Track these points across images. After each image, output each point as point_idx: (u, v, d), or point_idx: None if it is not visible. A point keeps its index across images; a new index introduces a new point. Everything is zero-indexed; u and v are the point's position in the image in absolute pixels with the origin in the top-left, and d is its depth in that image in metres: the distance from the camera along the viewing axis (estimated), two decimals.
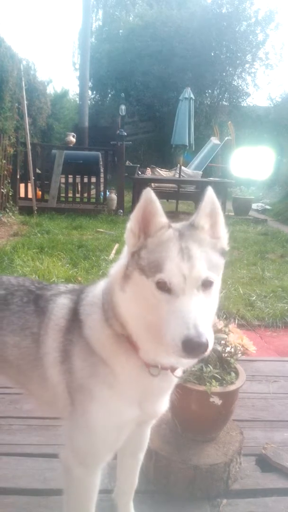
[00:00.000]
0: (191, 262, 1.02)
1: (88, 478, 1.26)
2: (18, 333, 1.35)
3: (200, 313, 0.98)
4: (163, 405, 1.29)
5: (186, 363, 1.19)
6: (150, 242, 1.08)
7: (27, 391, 1.46)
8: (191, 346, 0.93)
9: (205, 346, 0.94)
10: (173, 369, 1.18)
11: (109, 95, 19.99)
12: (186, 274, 1.00)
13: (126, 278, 1.09)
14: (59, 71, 48.94)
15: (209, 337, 0.96)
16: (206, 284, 1.03)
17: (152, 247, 1.07)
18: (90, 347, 1.20)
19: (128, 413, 1.20)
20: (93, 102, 19.49)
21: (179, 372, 1.22)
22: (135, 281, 1.07)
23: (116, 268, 1.17)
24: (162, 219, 1.10)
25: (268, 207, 11.69)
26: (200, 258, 1.04)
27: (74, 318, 1.26)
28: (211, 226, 1.14)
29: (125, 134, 9.42)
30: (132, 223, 1.10)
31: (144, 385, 1.18)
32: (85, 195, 9.67)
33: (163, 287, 1.01)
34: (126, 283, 1.09)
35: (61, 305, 1.32)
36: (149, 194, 1.08)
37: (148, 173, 11.27)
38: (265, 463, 1.88)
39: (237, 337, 1.77)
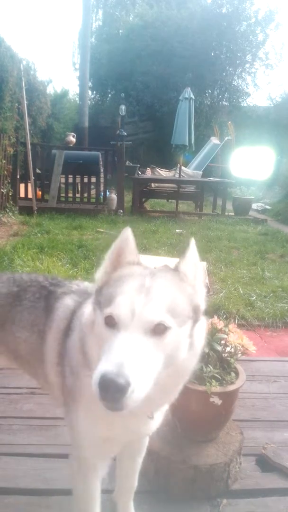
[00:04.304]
0: (148, 299, 0.91)
1: (86, 482, 1.26)
2: (28, 329, 1.37)
3: (135, 356, 0.85)
4: (149, 427, 1.21)
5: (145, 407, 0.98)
6: (112, 277, 1.02)
7: (40, 385, 1.50)
8: (104, 384, 0.81)
9: (121, 388, 0.81)
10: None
11: (109, 95, 19.99)
12: (136, 310, 0.90)
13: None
14: (59, 71, 48.95)
15: (133, 383, 0.82)
16: (159, 330, 0.90)
17: (112, 282, 1.00)
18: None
19: (110, 430, 1.14)
20: (93, 102, 19.49)
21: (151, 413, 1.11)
22: (97, 321, 1.00)
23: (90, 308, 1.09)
24: (133, 256, 1.06)
25: (268, 207, 11.69)
26: (162, 299, 0.93)
27: (73, 321, 1.24)
28: (194, 278, 1.05)
29: (125, 134, 9.41)
30: (106, 261, 1.07)
31: None
32: (85, 195, 9.67)
33: (111, 322, 0.92)
34: (94, 324, 1.02)
35: (65, 305, 1.32)
36: (126, 233, 1.07)
37: (148, 173, 11.26)
38: (265, 463, 1.88)
39: (237, 337, 1.77)
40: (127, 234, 1.07)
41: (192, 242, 1.07)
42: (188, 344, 0.99)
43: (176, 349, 0.95)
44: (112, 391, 0.82)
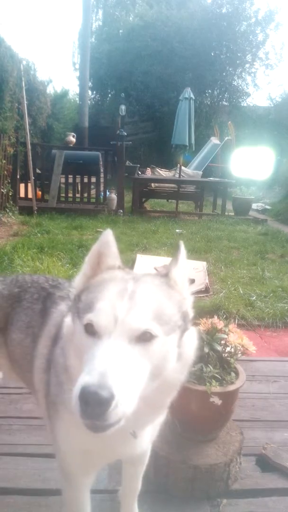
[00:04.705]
0: (131, 304, 0.85)
1: (72, 491, 1.23)
2: (23, 331, 1.35)
3: (119, 365, 0.79)
4: (134, 447, 1.12)
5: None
6: (91, 283, 0.96)
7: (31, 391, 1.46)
8: (85, 396, 0.74)
9: (104, 401, 0.74)
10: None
11: (109, 95, 20.01)
12: (119, 316, 0.83)
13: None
14: (59, 71, 48.90)
15: (117, 395, 0.75)
16: (145, 338, 0.84)
17: (91, 288, 0.94)
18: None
19: (90, 445, 1.08)
20: (93, 102, 19.50)
21: (136, 431, 1.04)
22: (76, 331, 0.94)
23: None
24: (113, 261, 1.00)
25: (268, 207, 11.69)
26: (147, 305, 0.87)
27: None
28: (183, 284, 1.00)
29: (125, 134, 9.41)
30: (85, 266, 1.01)
31: None
32: (85, 195, 9.67)
33: (91, 330, 0.85)
34: (73, 335, 0.97)
35: (59, 311, 1.27)
36: (106, 235, 1.01)
37: (148, 173, 11.26)
38: (265, 463, 1.88)
39: (237, 337, 1.77)
40: (107, 237, 1.01)
41: (181, 245, 1.02)
42: (176, 354, 0.93)
43: (164, 360, 0.89)
44: (94, 404, 0.74)
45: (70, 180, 9.45)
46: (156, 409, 1.04)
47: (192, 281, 4.57)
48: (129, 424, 0.92)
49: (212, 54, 17.56)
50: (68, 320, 1.02)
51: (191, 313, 1.01)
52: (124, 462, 1.47)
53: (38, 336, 1.28)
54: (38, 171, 9.45)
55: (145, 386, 0.86)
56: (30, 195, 8.72)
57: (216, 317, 1.86)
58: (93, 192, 9.90)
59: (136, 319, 0.84)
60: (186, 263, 1.03)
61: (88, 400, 0.75)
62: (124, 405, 0.78)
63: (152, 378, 0.88)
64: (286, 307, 4.03)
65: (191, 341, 1.01)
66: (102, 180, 9.71)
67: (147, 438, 1.15)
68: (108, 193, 9.50)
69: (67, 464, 1.18)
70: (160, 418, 1.17)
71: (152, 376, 0.88)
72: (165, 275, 1.00)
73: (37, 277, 1.50)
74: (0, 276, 1.57)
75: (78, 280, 1.01)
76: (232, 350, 1.78)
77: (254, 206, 11.06)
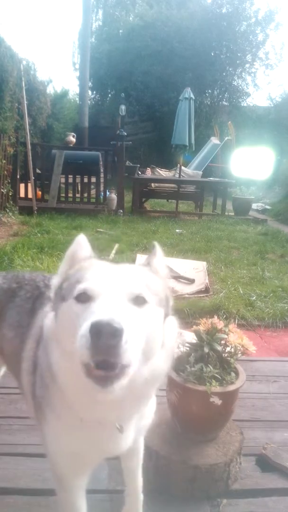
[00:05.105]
0: (121, 274, 0.89)
1: (66, 495, 1.22)
2: (13, 328, 1.34)
3: (122, 315, 0.77)
4: (120, 443, 1.11)
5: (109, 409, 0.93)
6: (70, 272, 0.98)
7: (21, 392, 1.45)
8: (97, 328, 0.73)
9: (118, 332, 0.73)
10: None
11: (109, 95, 20.00)
12: (111, 282, 0.86)
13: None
14: (59, 71, 48.80)
15: (126, 331, 0.74)
16: (139, 302, 0.86)
17: (72, 274, 0.96)
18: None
19: (79, 446, 1.08)
20: (93, 102, 19.50)
21: (123, 426, 1.05)
22: (60, 316, 0.93)
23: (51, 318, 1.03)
24: (87, 253, 1.05)
25: (268, 207, 11.69)
26: (137, 275, 0.92)
27: None
28: (164, 275, 1.04)
29: (125, 134, 9.41)
30: (61, 266, 1.04)
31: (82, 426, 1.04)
32: (85, 195, 9.67)
33: (83, 297, 0.85)
34: (56, 334, 0.96)
35: (44, 313, 1.24)
36: (79, 238, 1.06)
37: (148, 173, 11.26)
38: (265, 463, 1.88)
39: (237, 337, 1.77)
40: (80, 239, 1.06)
41: (157, 244, 1.08)
42: (161, 341, 0.96)
43: (154, 333, 0.90)
44: (107, 334, 0.72)
45: (70, 180, 9.44)
46: (141, 400, 1.05)
47: (192, 281, 4.57)
48: (116, 413, 0.98)
49: (212, 54, 17.55)
50: (47, 321, 1.02)
51: (171, 300, 1.04)
52: (122, 459, 1.47)
53: (26, 337, 1.27)
54: (38, 171, 9.44)
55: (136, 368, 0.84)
56: (30, 195, 8.71)
57: (216, 317, 1.87)
58: (93, 192, 9.89)
59: (130, 283, 0.87)
60: (163, 258, 1.08)
61: (101, 330, 0.73)
62: (131, 347, 0.77)
63: (143, 359, 0.87)
64: (286, 307, 4.04)
65: (172, 329, 1.03)
66: (102, 180, 9.70)
67: (132, 433, 1.15)
68: (108, 193, 9.50)
69: (58, 466, 1.18)
70: (146, 418, 1.19)
71: (143, 353, 0.87)
72: (146, 264, 1.05)
73: (36, 275, 1.49)
74: (3, 272, 1.60)
75: (55, 279, 1.02)
76: (232, 350, 1.78)
77: (254, 206, 11.06)
